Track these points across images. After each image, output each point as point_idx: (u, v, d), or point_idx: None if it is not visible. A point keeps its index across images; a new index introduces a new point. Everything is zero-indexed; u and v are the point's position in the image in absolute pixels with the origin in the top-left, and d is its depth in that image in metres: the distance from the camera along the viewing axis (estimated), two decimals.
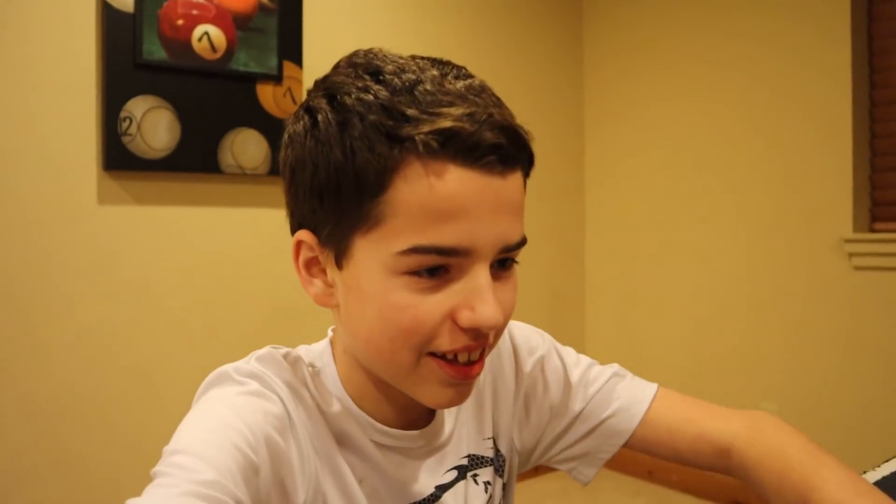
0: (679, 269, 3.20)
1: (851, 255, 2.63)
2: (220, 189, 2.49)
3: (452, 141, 0.55)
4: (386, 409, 0.68)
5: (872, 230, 2.68)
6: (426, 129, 0.55)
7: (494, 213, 0.57)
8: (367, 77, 0.58)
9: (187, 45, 2.36)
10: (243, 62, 2.47)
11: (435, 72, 0.58)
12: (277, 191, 2.61)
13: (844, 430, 2.61)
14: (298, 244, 0.63)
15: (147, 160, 2.30)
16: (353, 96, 0.58)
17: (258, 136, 2.51)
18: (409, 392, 0.63)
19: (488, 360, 0.78)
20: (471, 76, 0.61)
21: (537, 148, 0.62)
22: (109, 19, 2.23)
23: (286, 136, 0.63)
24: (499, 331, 0.62)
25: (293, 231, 0.64)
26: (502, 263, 0.61)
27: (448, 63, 0.61)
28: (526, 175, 0.63)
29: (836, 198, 2.68)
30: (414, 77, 0.57)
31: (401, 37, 2.93)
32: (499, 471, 0.78)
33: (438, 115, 0.55)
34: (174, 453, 0.52)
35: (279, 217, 2.61)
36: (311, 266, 0.64)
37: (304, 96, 0.65)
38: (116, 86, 2.25)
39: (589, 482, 0.83)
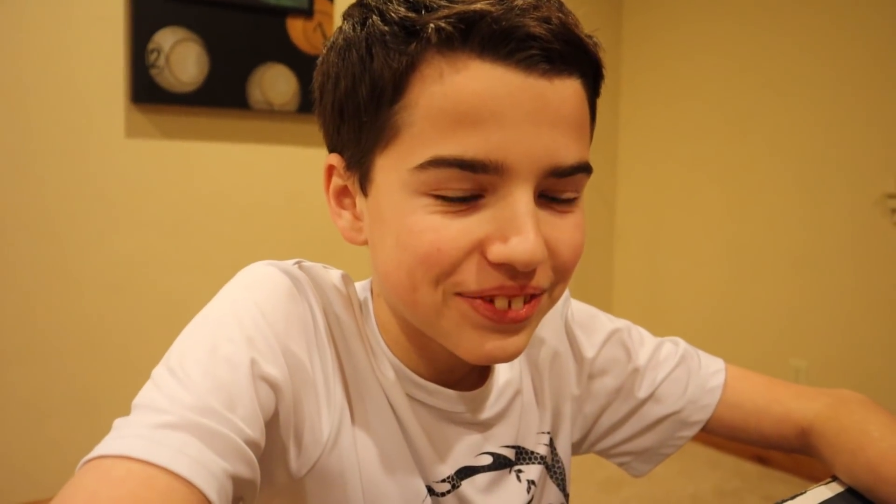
0: (712, 221, 3.13)
1: (895, 210, 2.54)
2: (249, 125, 2.46)
3: (476, 28, 0.44)
4: (422, 367, 0.58)
5: None
6: (444, 13, 0.45)
7: (536, 122, 0.46)
8: None
9: None
10: None
11: None
12: (306, 129, 2.59)
13: (875, 391, 2.56)
14: (329, 170, 0.55)
15: (175, 94, 2.28)
16: None
17: (287, 72, 2.46)
18: (443, 342, 0.52)
19: (547, 349, 0.70)
20: None
21: None
22: None
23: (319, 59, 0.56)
24: (547, 273, 0.50)
25: None
26: (556, 194, 0.50)
27: None
28: (592, 91, 0.51)
29: (882, 151, 2.58)
30: None
31: None
32: (554, 474, 0.68)
33: (465, 1, 0.45)
34: (179, 356, 0.49)
35: (307, 155, 2.56)
36: (342, 196, 0.56)
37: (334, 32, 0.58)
38: (144, 17, 2.21)
39: (642, 476, 0.76)
